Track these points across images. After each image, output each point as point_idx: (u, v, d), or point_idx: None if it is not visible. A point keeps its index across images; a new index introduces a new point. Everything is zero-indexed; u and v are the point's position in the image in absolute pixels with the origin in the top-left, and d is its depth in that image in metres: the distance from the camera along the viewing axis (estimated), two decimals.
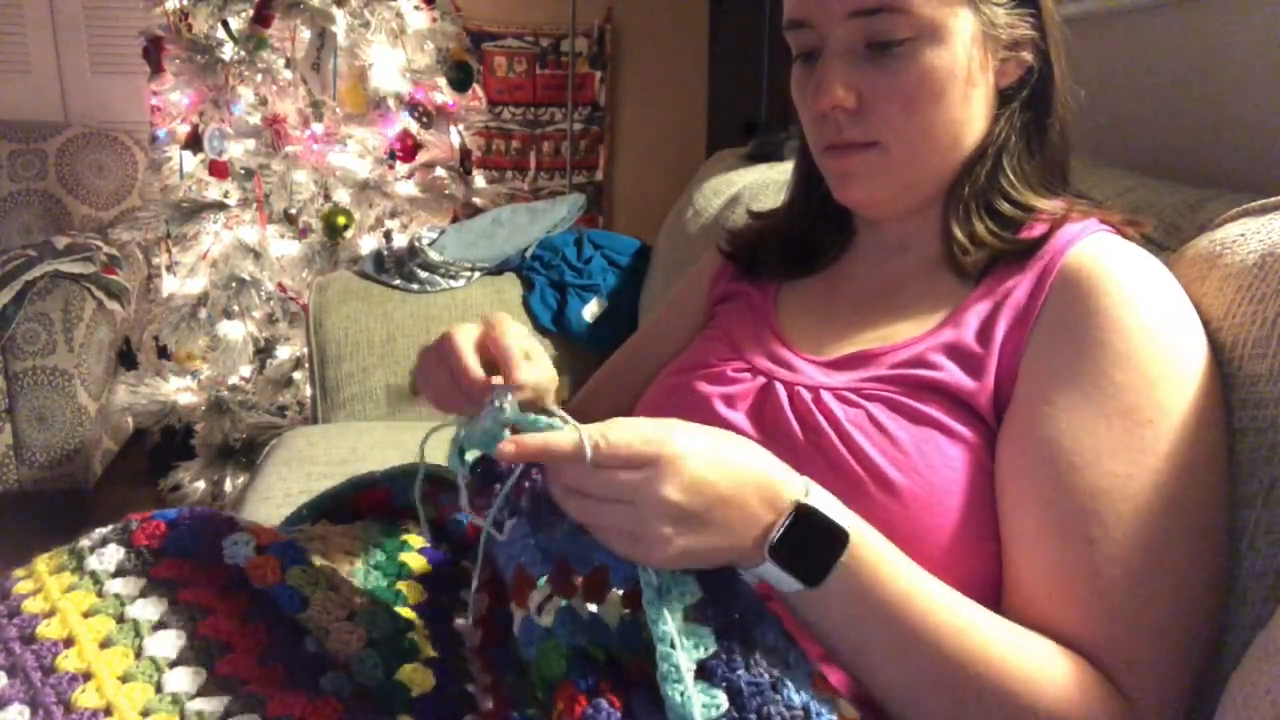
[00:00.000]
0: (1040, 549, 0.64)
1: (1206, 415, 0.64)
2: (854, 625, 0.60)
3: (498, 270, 1.94)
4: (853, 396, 0.72)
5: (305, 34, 2.23)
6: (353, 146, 2.35)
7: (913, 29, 0.70)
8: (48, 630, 0.64)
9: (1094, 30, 1.28)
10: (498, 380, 0.66)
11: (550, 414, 0.60)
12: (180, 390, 2.45)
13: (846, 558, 0.58)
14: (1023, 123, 0.76)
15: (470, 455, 0.64)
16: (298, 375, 2.41)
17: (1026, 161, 0.76)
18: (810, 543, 0.58)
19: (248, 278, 2.27)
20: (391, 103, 2.33)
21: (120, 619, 0.65)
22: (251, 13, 2.19)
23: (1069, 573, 0.63)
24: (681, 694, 0.53)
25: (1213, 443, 0.65)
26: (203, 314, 2.32)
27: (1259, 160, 1.00)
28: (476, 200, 2.52)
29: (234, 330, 2.32)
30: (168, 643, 0.63)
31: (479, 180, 2.63)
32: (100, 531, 0.71)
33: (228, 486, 2.39)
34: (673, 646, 0.54)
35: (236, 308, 2.29)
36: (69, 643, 0.63)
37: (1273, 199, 0.76)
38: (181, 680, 0.61)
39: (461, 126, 2.50)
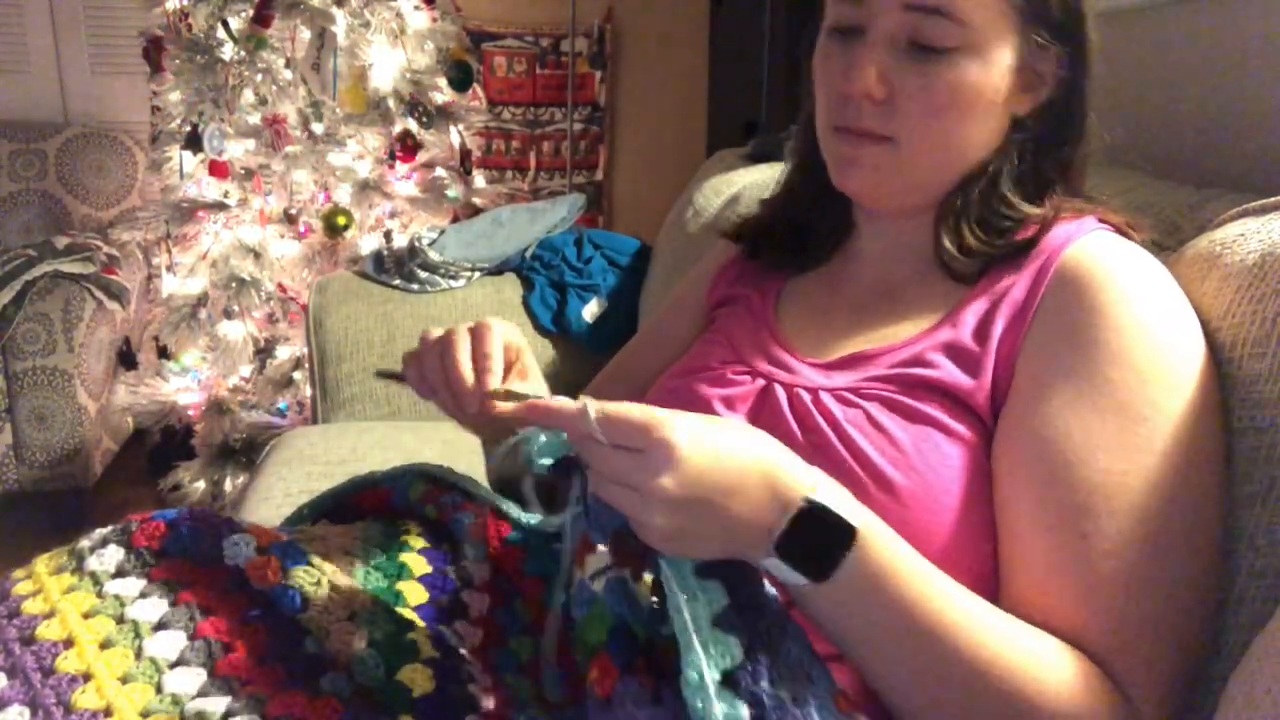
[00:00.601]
0: (1035, 544, 0.64)
1: (1202, 413, 0.64)
2: (862, 621, 0.60)
3: (498, 270, 1.94)
4: (851, 397, 0.72)
5: (305, 34, 2.23)
6: (353, 146, 2.35)
7: (960, 41, 0.70)
8: (47, 631, 0.64)
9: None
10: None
11: None
12: (180, 390, 2.45)
13: (855, 554, 0.58)
14: (1029, 149, 0.76)
15: (542, 463, 0.65)
16: (298, 375, 2.41)
17: (1024, 181, 0.75)
18: (817, 538, 0.58)
19: (248, 278, 2.27)
20: (391, 103, 2.33)
21: (120, 620, 0.65)
22: (251, 13, 2.19)
23: (1063, 568, 0.63)
24: (703, 702, 0.53)
25: (1208, 440, 0.65)
26: (203, 314, 2.32)
27: (1259, 160, 1.00)
28: (476, 200, 2.52)
29: (234, 330, 2.32)
30: (168, 643, 0.63)
31: (479, 180, 2.63)
32: (100, 532, 0.71)
33: (228, 486, 2.39)
34: (698, 655, 0.54)
35: (236, 308, 2.29)
36: (69, 644, 0.63)
37: (1273, 199, 0.76)
38: (181, 681, 0.61)
39: (461, 126, 2.50)
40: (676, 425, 0.55)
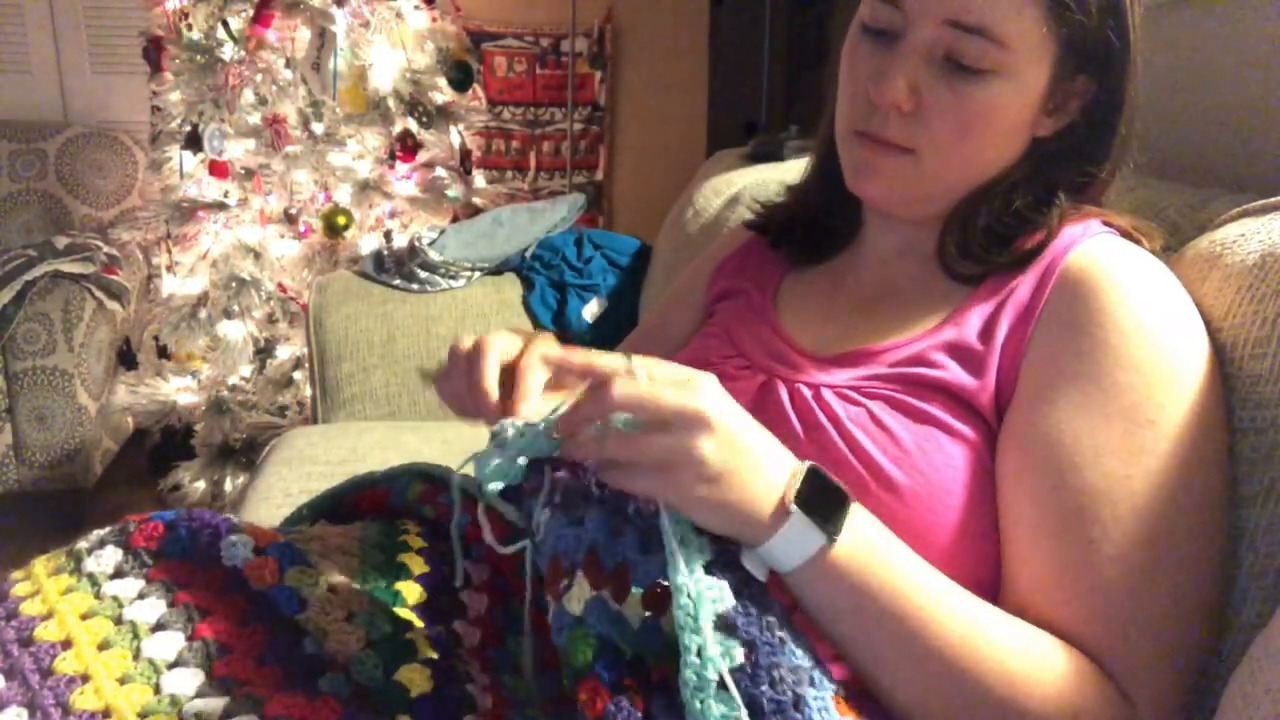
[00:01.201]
0: (1039, 548, 0.64)
1: (1207, 416, 0.64)
2: (858, 604, 0.60)
3: (498, 270, 1.94)
4: (853, 394, 0.72)
5: (305, 34, 2.23)
6: (353, 146, 2.35)
7: (996, 63, 0.69)
8: (46, 632, 0.63)
9: None
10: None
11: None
12: (180, 390, 2.45)
13: (854, 518, 0.59)
14: (1045, 165, 0.75)
15: (493, 487, 0.64)
16: (298, 375, 2.41)
17: (1035, 194, 0.74)
18: (824, 498, 0.59)
19: (248, 278, 2.27)
20: (391, 103, 2.33)
21: (118, 620, 0.65)
22: (251, 13, 2.19)
23: (1067, 572, 0.63)
24: (701, 703, 0.53)
25: (1213, 444, 0.65)
26: (203, 314, 2.32)
27: (1259, 160, 1.00)
28: (476, 200, 2.52)
29: (234, 330, 2.32)
30: (166, 644, 0.63)
31: (479, 180, 2.62)
32: (98, 533, 0.71)
33: (228, 486, 2.39)
34: (699, 656, 0.54)
35: (236, 308, 2.29)
36: (67, 644, 0.63)
37: (1273, 199, 0.76)
38: (180, 681, 0.61)
39: (461, 126, 2.50)
40: (709, 376, 0.60)
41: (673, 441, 0.56)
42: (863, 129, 0.74)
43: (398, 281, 1.87)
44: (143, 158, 2.96)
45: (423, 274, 1.88)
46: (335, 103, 2.27)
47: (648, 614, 0.58)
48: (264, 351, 2.42)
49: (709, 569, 0.57)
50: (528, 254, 1.96)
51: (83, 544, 0.71)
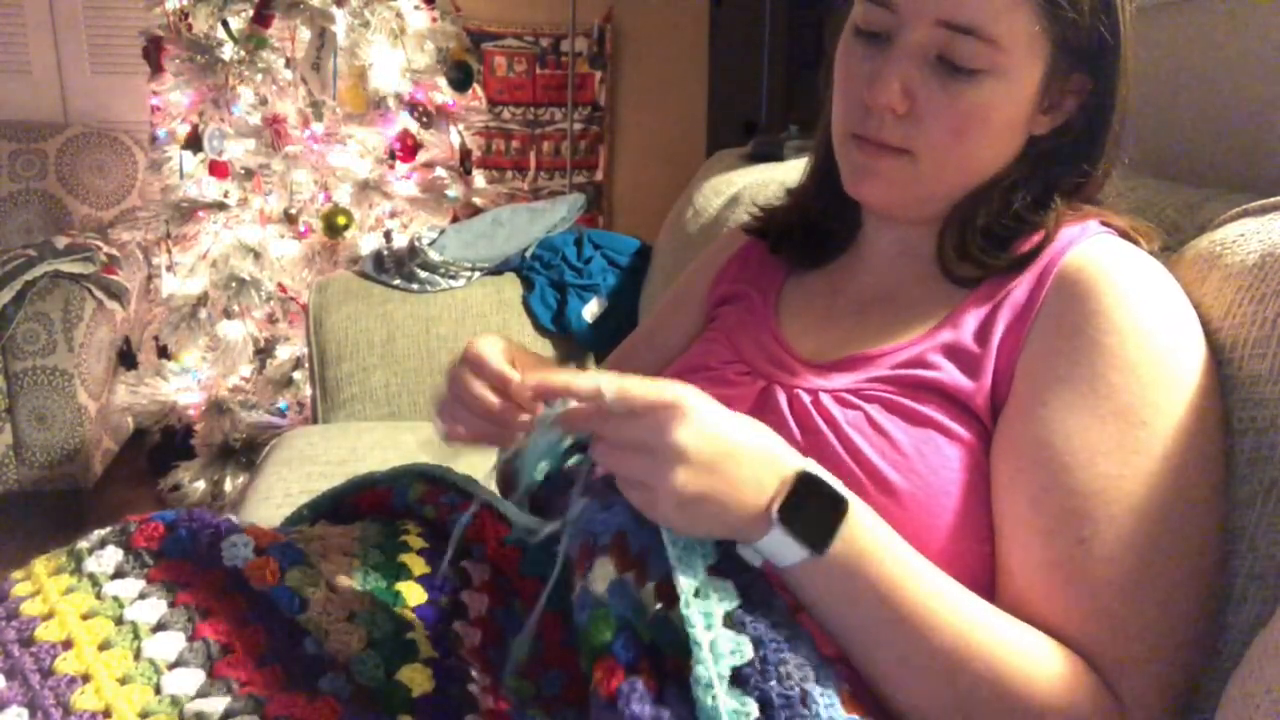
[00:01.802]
0: (1033, 548, 0.64)
1: (1202, 418, 0.64)
2: (854, 602, 0.60)
3: (498, 270, 1.94)
4: (851, 398, 0.72)
5: (305, 34, 2.23)
6: (353, 146, 2.35)
7: (989, 63, 0.68)
8: (46, 632, 0.64)
9: None
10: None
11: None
12: (180, 390, 2.45)
13: (848, 527, 0.59)
14: (1042, 165, 0.75)
15: (540, 469, 0.66)
16: (298, 375, 2.41)
17: (1033, 194, 0.74)
18: (814, 508, 0.59)
19: (248, 278, 2.27)
20: (391, 103, 2.33)
21: (119, 621, 0.65)
22: (251, 13, 2.19)
23: (1061, 572, 0.63)
24: (713, 699, 0.53)
25: (1208, 445, 0.65)
26: (203, 314, 2.32)
27: (1259, 160, 1.00)
28: (476, 200, 2.52)
29: (234, 330, 2.32)
30: (167, 644, 0.63)
31: (479, 180, 2.62)
32: (99, 533, 0.71)
33: (228, 486, 2.39)
34: (711, 652, 0.54)
35: (236, 308, 2.29)
36: (68, 645, 0.63)
37: (1273, 199, 0.76)
38: (181, 682, 0.61)
39: (461, 126, 2.50)
40: (688, 391, 0.59)
41: (646, 467, 0.58)
42: (858, 132, 0.74)
43: (398, 281, 1.87)
44: (143, 158, 2.96)
45: (423, 274, 1.88)
46: (335, 103, 2.27)
47: (659, 605, 0.58)
48: (264, 351, 2.42)
49: (716, 569, 0.58)
50: (528, 254, 1.96)
51: (83, 544, 0.71)
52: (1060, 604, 0.62)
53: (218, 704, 0.59)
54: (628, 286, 1.90)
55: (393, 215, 2.42)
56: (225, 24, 2.22)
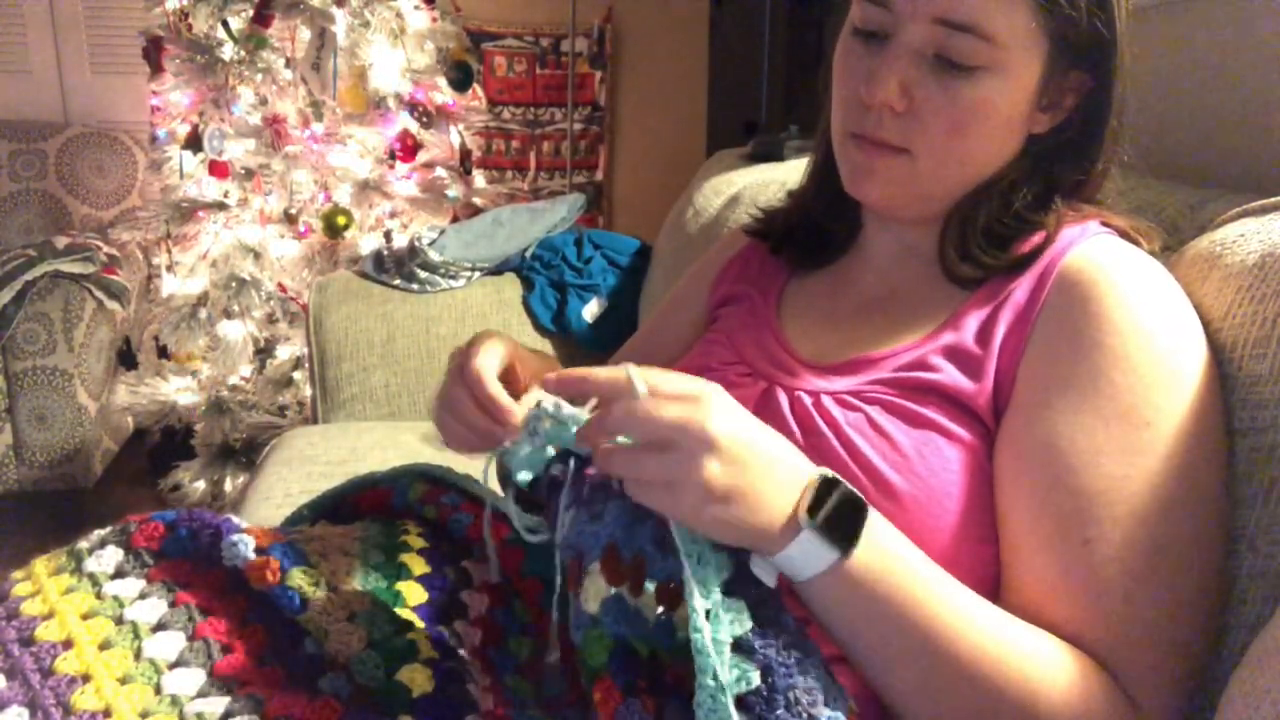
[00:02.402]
0: (1037, 551, 0.64)
1: (1205, 418, 0.64)
2: (873, 612, 0.59)
3: (498, 270, 1.94)
4: (853, 400, 0.72)
5: (305, 34, 2.23)
6: (353, 146, 2.35)
7: (987, 60, 0.68)
8: (46, 632, 0.64)
9: None
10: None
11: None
12: (180, 390, 2.45)
13: (870, 529, 0.58)
14: (1043, 163, 0.75)
15: (522, 476, 0.64)
16: (298, 375, 2.41)
17: (1033, 193, 0.74)
18: (840, 509, 0.58)
19: (248, 278, 2.27)
20: (391, 103, 2.33)
21: (119, 620, 0.65)
22: (251, 13, 2.19)
23: (1066, 574, 0.63)
24: None
25: (1211, 445, 0.65)
26: (203, 314, 2.32)
27: (1259, 160, 1.00)
28: (476, 200, 2.52)
29: (234, 330, 2.32)
30: (167, 644, 0.63)
31: (479, 180, 2.62)
32: (99, 533, 0.71)
33: (228, 486, 2.39)
34: (714, 680, 0.53)
35: (236, 308, 2.29)
36: (68, 644, 0.63)
37: (1273, 199, 0.76)
38: (181, 681, 0.61)
39: (461, 126, 2.50)
40: (715, 387, 0.58)
41: (674, 461, 0.55)
42: (857, 131, 0.74)
43: (398, 281, 1.87)
44: (143, 158, 2.96)
45: (423, 274, 1.88)
46: (335, 103, 2.27)
47: (660, 610, 0.58)
48: (264, 351, 2.42)
49: (727, 588, 0.56)
50: (528, 254, 1.96)
51: (83, 544, 0.71)
52: (1065, 605, 0.62)
53: (218, 704, 0.59)
54: (628, 286, 1.90)
55: (393, 215, 2.42)
56: (225, 24, 2.22)
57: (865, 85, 0.71)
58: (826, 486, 0.58)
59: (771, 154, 1.77)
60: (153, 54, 2.35)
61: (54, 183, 2.90)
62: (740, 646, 0.55)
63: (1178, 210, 0.89)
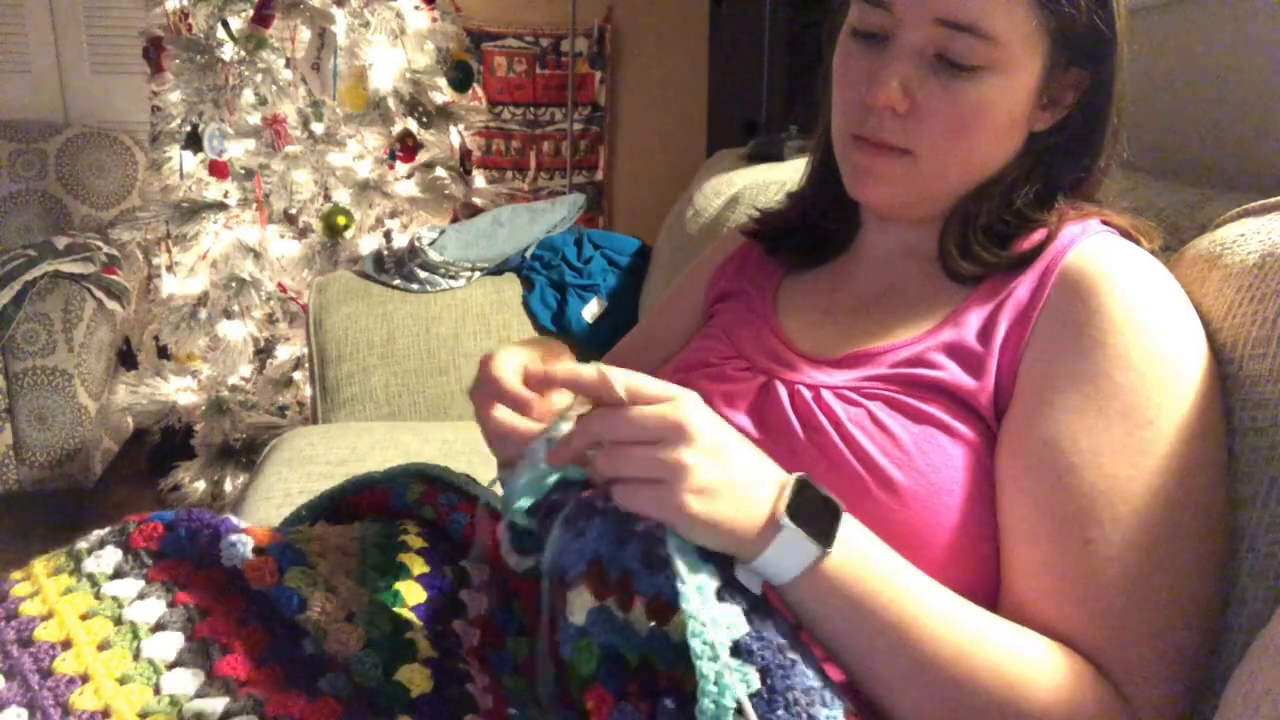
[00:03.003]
0: (1037, 549, 0.64)
1: (1206, 417, 0.64)
2: (855, 612, 0.59)
3: (498, 270, 1.94)
4: (853, 395, 0.72)
5: (305, 34, 2.23)
6: (353, 146, 2.35)
7: (988, 59, 0.69)
8: (45, 633, 0.64)
9: None
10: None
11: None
12: (180, 390, 2.45)
13: (846, 527, 0.59)
14: (1044, 162, 0.75)
15: (520, 504, 0.64)
16: (298, 375, 2.41)
17: (1035, 191, 0.75)
18: (815, 508, 0.59)
19: (248, 278, 2.27)
20: (391, 103, 2.33)
21: (118, 621, 0.65)
22: (251, 13, 2.19)
23: (1066, 573, 0.63)
24: None
25: (1212, 445, 0.64)
26: (203, 314, 2.32)
27: (1259, 160, 1.00)
28: (476, 200, 2.52)
29: (234, 330, 2.32)
30: (166, 644, 0.63)
31: (479, 180, 2.62)
32: (98, 533, 0.71)
33: (228, 486, 2.39)
34: (716, 684, 0.53)
35: (236, 308, 2.29)
36: (67, 645, 0.63)
37: (1273, 199, 0.76)
38: (180, 682, 0.61)
39: (461, 126, 2.50)
40: (689, 391, 0.59)
41: (659, 457, 0.56)
42: (859, 133, 0.74)
43: (398, 281, 1.87)
44: (143, 158, 2.96)
45: (423, 274, 1.88)
46: (335, 103, 2.27)
47: (653, 624, 0.58)
48: (264, 351, 2.42)
49: (720, 594, 0.57)
50: (528, 254, 1.96)
51: (83, 544, 0.71)
52: (1066, 605, 0.62)
53: (217, 704, 0.59)
54: (628, 286, 1.90)
55: (393, 215, 2.42)
56: (225, 24, 2.22)
57: (866, 87, 0.71)
58: (802, 487, 0.59)
59: (771, 154, 1.77)
60: (153, 54, 2.35)
61: (54, 183, 2.90)
62: (739, 650, 0.55)
63: (1178, 210, 0.89)
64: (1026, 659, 0.60)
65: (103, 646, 0.63)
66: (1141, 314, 0.66)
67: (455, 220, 2.35)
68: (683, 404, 0.57)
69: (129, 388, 2.48)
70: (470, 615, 0.71)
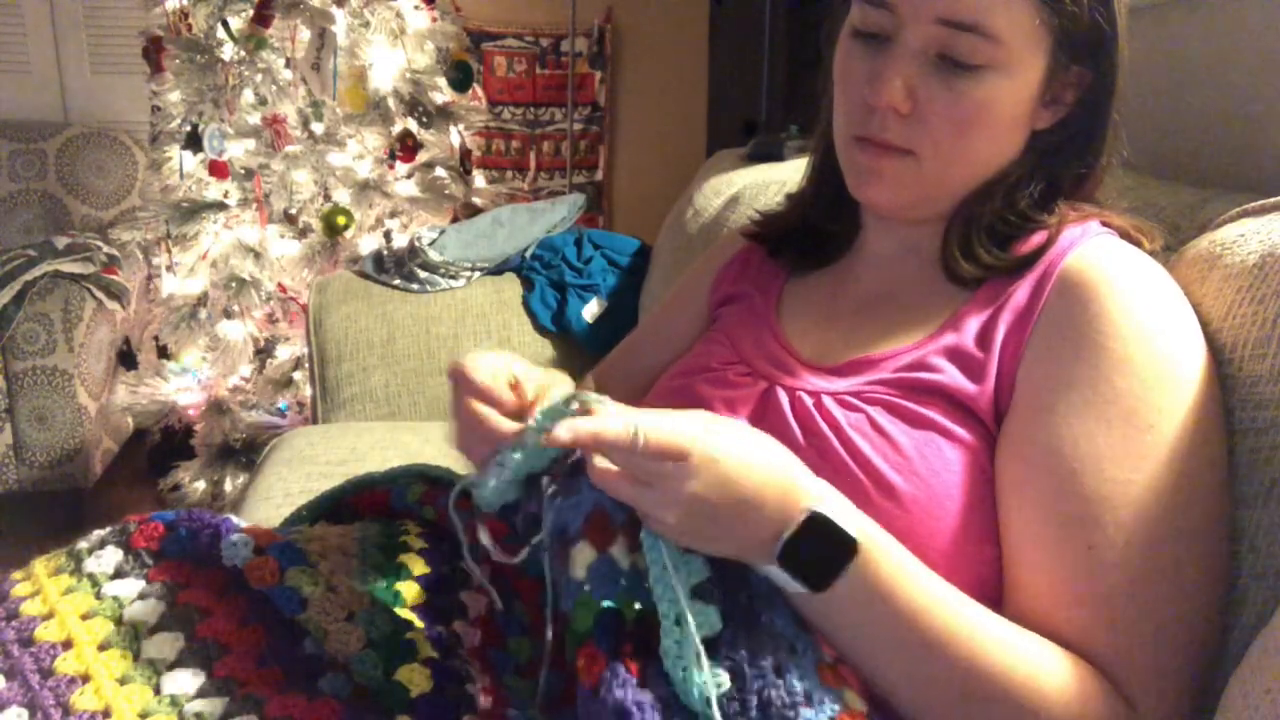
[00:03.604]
0: (1041, 555, 0.64)
1: (1206, 420, 0.64)
2: (861, 629, 0.61)
3: (498, 270, 1.94)
4: (854, 401, 0.72)
5: (305, 34, 2.23)
6: (353, 146, 2.35)
7: (990, 58, 0.68)
8: (46, 633, 0.64)
9: None
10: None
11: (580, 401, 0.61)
12: (180, 390, 2.45)
13: (856, 567, 0.59)
14: (1046, 161, 0.75)
15: (492, 498, 0.65)
16: (298, 375, 2.41)
17: (1037, 191, 0.74)
18: (819, 549, 0.59)
19: (248, 278, 2.27)
20: (391, 103, 2.33)
21: (118, 621, 0.65)
22: (251, 13, 2.19)
23: (1069, 579, 0.63)
24: (684, 670, 0.53)
25: (1212, 447, 0.64)
26: (203, 314, 2.32)
27: (1259, 160, 1.00)
28: (476, 200, 2.52)
29: (234, 330, 2.32)
30: (166, 645, 0.63)
31: (479, 180, 2.62)
32: (98, 533, 0.71)
33: (228, 486, 2.39)
34: (677, 624, 0.55)
35: (236, 308, 2.29)
36: (67, 645, 0.63)
37: (1273, 199, 0.76)
38: (180, 682, 0.61)
39: (461, 126, 2.50)
40: (713, 438, 0.58)
41: (656, 495, 0.57)
42: (861, 134, 0.74)
43: (398, 281, 1.87)
44: (143, 158, 2.96)
45: (423, 274, 1.88)
46: (335, 103, 2.27)
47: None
48: (264, 351, 2.42)
49: (699, 591, 0.58)
50: (528, 254, 1.96)
51: (83, 544, 0.71)
52: (1069, 610, 0.62)
53: (217, 704, 0.59)
54: (628, 286, 1.89)
55: (393, 215, 2.41)
56: (225, 24, 2.22)
57: (869, 87, 0.71)
58: (811, 526, 0.59)
59: (771, 154, 1.77)
60: (152, 54, 2.35)
61: (54, 183, 2.90)
62: (701, 595, 0.57)
63: (1178, 210, 0.89)
64: (1033, 665, 0.60)
65: (103, 646, 0.63)
66: (1140, 317, 0.66)
67: (455, 220, 2.35)
68: (695, 465, 0.57)
69: (129, 388, 2.48)
70: (471, 615, 0.71)
